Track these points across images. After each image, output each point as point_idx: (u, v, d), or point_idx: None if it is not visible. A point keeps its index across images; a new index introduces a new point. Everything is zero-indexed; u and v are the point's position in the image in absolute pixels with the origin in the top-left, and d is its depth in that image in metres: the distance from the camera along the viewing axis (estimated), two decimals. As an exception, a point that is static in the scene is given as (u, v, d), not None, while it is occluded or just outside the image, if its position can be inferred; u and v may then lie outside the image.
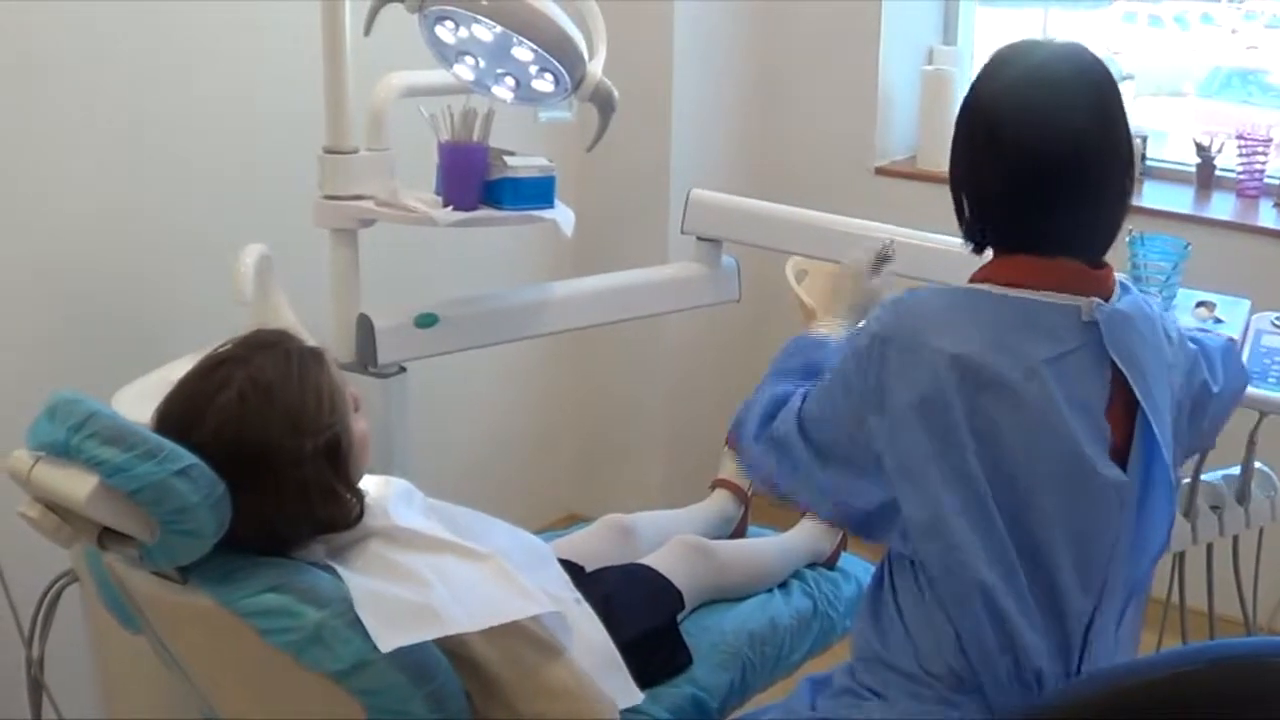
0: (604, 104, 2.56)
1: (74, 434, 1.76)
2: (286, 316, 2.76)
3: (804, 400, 2.07)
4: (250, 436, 1.85)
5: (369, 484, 2.05)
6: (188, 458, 1.78)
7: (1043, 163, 1.92)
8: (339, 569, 1.87)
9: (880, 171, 4.19)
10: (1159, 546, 2.03)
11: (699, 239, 3.00)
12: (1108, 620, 1.96)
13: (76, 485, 1.74)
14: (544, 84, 2.49)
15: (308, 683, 1.81)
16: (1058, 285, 1.93)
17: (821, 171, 4.17)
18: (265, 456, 1.85)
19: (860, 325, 2.12)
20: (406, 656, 1.80)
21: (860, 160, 4.19)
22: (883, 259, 2.41)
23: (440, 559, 1.91)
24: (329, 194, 2.68)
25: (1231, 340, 2.37)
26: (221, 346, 1.96)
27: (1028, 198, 1.94)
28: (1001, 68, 1.97)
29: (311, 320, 2.73)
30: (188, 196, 3.12)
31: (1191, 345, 2.11)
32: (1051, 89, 1.93)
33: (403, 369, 2.74)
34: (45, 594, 2.51)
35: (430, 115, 2.60)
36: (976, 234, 2.02)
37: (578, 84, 2.47)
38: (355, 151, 2.67)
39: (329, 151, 2.67)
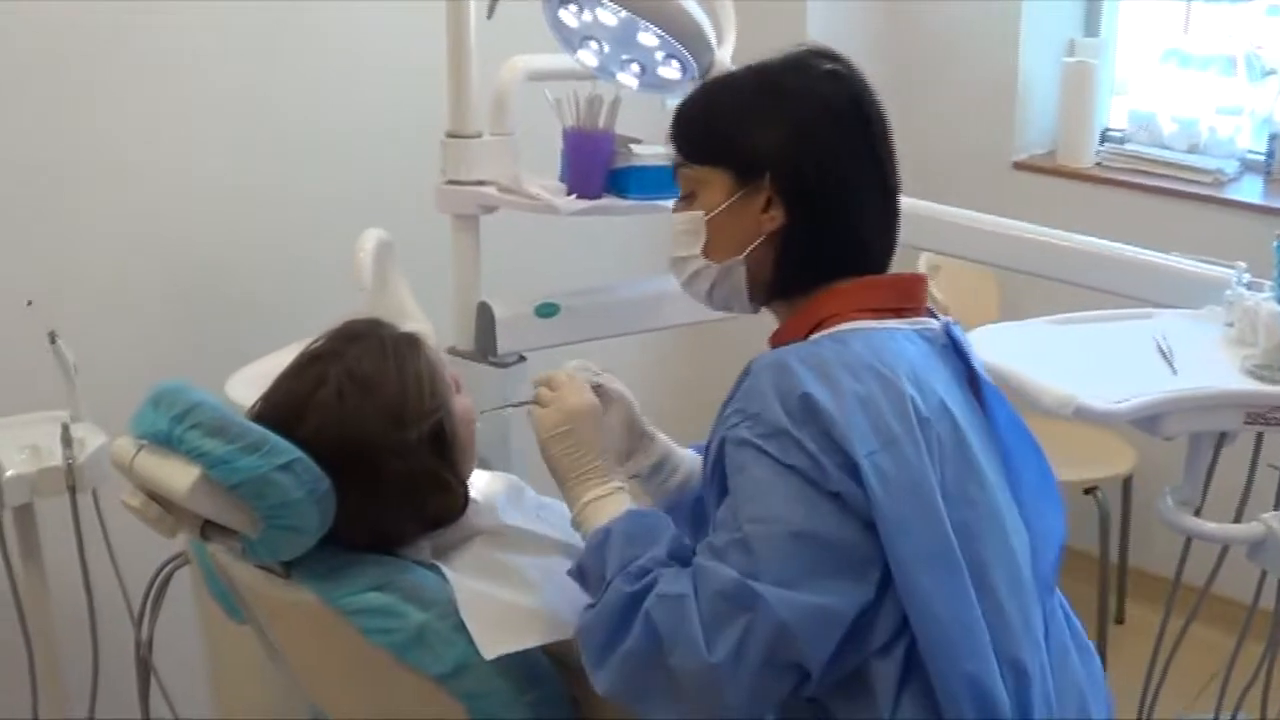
0: (731, 93, 2.47)
1: (177, 424, 1.72)
2: (406, 302, 2.72)
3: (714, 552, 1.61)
4: (352, 433, 1.79)
5: (477, 480, 1.99)
6: (292, 452, 1.74)
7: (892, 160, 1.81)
8: (444, 569, 1.82)
9: (1019, 166, 4.11)
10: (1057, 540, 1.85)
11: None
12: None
13: (178, 476, 1.70)
14: (670, 71, 2.43)
15: (409, 682, 1.76)
16: (915, 305, 1.80)
17: (958, 166, 4.10)
18: (369, 452, 1.79)
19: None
20: (511, 661, 1.74)
21: (998, 154, 4.12)
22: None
23: (548, 560, 1.84)
24: (451, 179, 2.64)
25: None
26: (315, 341, 1.90)
27: (895, 197, 1.82)
28: (810, 73, 1.80)
29: (431, 308, 2.70)
30: (309, 181, 3.12)
31: None
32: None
33: (522, 359, 2.69)
34: (156, 576, 2.51)
35: (555, 101, 2.55)
36: (819, 263, 1.77)
37: (705, 72, 2.40)
38: (478, 136, 2.62)
39: (451, 136, 2.63)
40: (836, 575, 1.58)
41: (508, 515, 1.97)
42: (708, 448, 1.75)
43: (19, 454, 2.43)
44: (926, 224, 2.76)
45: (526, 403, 1.87)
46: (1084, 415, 2.25)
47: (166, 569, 2.49)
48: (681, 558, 1.65)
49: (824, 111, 1.76)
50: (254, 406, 1.86)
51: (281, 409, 1.82)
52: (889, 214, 1.82)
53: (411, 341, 1.90)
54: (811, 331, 1.75)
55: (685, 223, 1.83)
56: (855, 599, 1.58)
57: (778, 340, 1.80)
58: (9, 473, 2.38)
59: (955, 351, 1.79)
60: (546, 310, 2.66)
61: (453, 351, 2.71)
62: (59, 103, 2.72)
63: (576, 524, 1.78)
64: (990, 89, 4.09)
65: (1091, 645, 1.89)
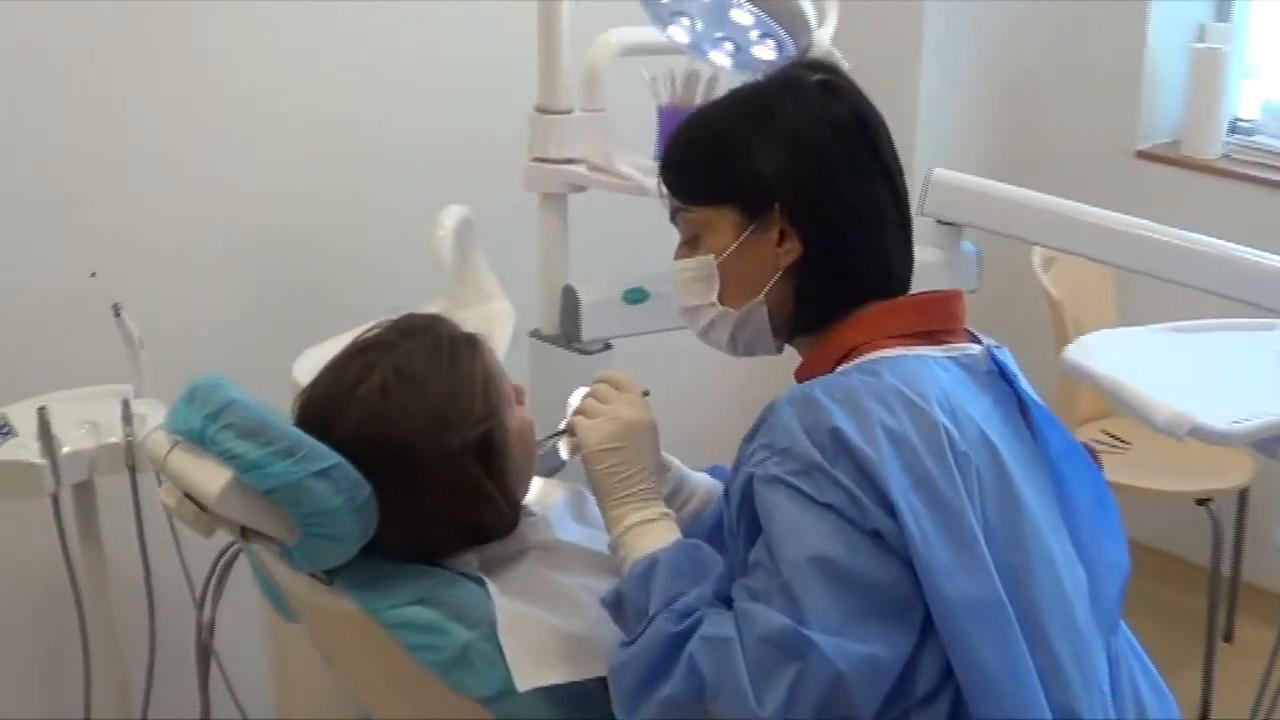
0: (833, 78, 2.36)
1: (210, 423, 1.63)
2: (487, 282, 2.68)
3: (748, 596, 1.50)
4: (393, 433, 1.69)
5: (534, 489, 1.88)
6: (329, 457, 1.64)
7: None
8: (489, 585, 1.70)
9: (1142, 155, 3.97)
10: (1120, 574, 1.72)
11: (938, 222, 2.78)
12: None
13: (210, 478, 1.62)
14: (765, 51, 2.33)
15: (455, 698, 1.65)
16: (950, 327, 1.68)
17: (1079, 154, 3.98)
18: (409, 454, 1.69)
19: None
20: (558, 688, 1.62)
21: (1121, 143, 3.97)
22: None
23: (601, 582, 1.71)
24: (538, 156, 2.57)
25: None
26: (369, 329, 1.80)
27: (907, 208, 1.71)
28: (803, 88, 1.68)
29: (515, 289, 2.66)
30: (389, 153, 3.06)
31: None
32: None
33: (608, 346, 2.60)
34: (219, 558, 2.44)
35: (651, 77, 2.50)
36: (843, 290, 1.67)
37: (803, 53, 2.30)
38: (569, 112, 2.55)
39: (540, 111, 2.55)
40: (879, 619, 1.47)
41: (564, 529, 1.86)
42: (728, 487, 1.63)
43: (78, 429, 2.37)
44: (1038, 216, 2.63)
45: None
46: (1200, 436, 2.14)
47: (230, 551, 2.42)
48: (727, 599, 1.53)
49: (825, 127, 1.65)
50: (300, 394, 1.77)
51: (324, 402, 1.73)
52: (905, 226, 1.71)
53: (471, 343, 1.79)
54: (839, 363, 1.64)
55: (695, 269, 1.70)
56: (900, 646, 1.48)
57: (803, 375, 1.68)
58: (66, 449, 2.31)
59: (1002, 377, 1.67)
60: (635, 296, 2.57)
61: (535, 335, 2.66)
62: (126, 72, 2.68)
63: (615, 547, 1.66)
64: (1115, 74, 3.95)
65: (1164, 684, 1.76)
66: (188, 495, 1.67)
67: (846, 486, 1.47)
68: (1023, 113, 4.09)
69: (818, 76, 1.69)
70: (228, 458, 1.61)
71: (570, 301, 2.56)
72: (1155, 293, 2.74)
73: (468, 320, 2.68)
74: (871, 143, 1.67)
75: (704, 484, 1.95)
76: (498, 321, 2.62)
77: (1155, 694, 1.72)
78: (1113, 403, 2.89)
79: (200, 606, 2.47)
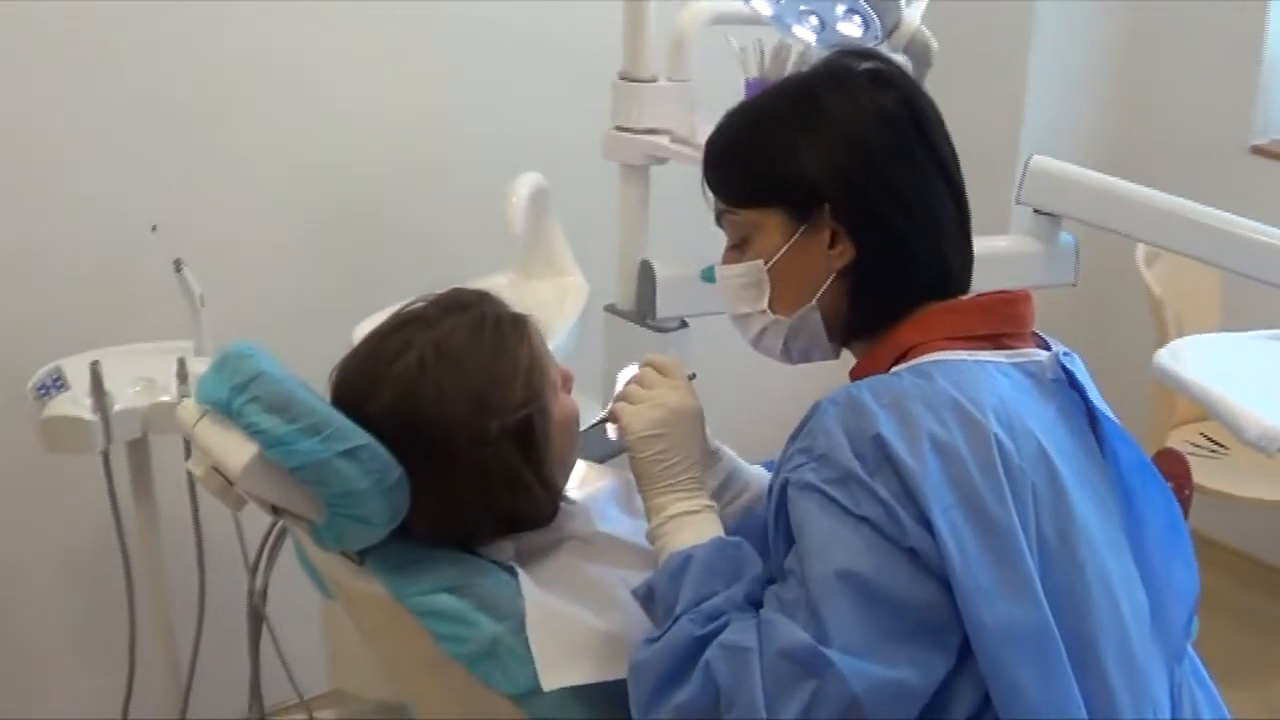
0: (919, 57, 2.29)
1: (237, 395, 1.57)
2: (560, 253, 2.65)
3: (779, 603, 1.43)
4: (427, 413, 1.61)
5: (581, 476, 1.80)
6: (358, 437, 1.57)
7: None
8: (521, 576, 1.63)
9: (1257, 151, 3.83)
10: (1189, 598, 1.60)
11: (1036, 212, 2.66)
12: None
13: (235, 452, 1.56)
14: (850, 27, 2.25)
15: (486, 691, 1.58)
16: (1015, 330, 1.59)
17: (1188, 147, 3.85)
18: (443, 436, 1.61)
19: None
20: (590, 687, 1.54)
21: (1235, 137, 3.84)
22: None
23: (641, 577, 1.59)
24: (621, 125, 2.50)
25: None
26: (413, 303, 1.73)
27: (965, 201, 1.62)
28: (850, 79, 1.58)
29: (590, 262, 2.62)
30: (464, 113, 3.02)
31: None
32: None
33: (684, 324, 2.53)
34: (274, 523, 2.37)
35: (740, 48, 2.43)
36: (900, 292, 1.58)
37: (890, 31, 2.22)
38: (653, 80, 2.48)
39: (624, 79, 2.49)
40: (911, 642, 1.37)
41: (607, 519, 1.78)
42: (770, 489, 1.53)
43: (132, 386, 2.32)
44: (1140, 210, 2.51)
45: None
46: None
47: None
48: (759, 603, 1.45)
49: (874, 121, 1.55)
50: (336, 367, 1.70)
51: (359, 376, 1.66)
52: (963, 222, 1.61)
53: (518, 324, 1.70)
54: (894, 365, 1.54)
55: (744, 274, 1.62)
56: (932, 671, 1.38)
57: (857, 376, 1.58)
58: (118, 406, 2.26)
59: (1071, 386, 1.57)
60: (712, 275, 2.45)
61: (610, 310, 2.59)
62: (194, 24, 2.64)
63: (653, 537, 1.57)
64: (1231, 66, 3.82)
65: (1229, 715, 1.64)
66: (216, 467, 1.61)
67: (884, 500, 1.38)
68: (1133, 104, 3.97)
69: (866, 66, 1.59)
70: (253, 432, 1.55)
71: (647, 277, 2.49)
72: (1263, 294, 2.63)
73: (539, 292, 2.63)
74: (925, 135, 1.57)
75: (758, 478, 1.86)
76: (569, 296, 2.56)
77: None
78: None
79: (253, 573, 2.42)
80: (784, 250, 1.57)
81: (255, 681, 2.52)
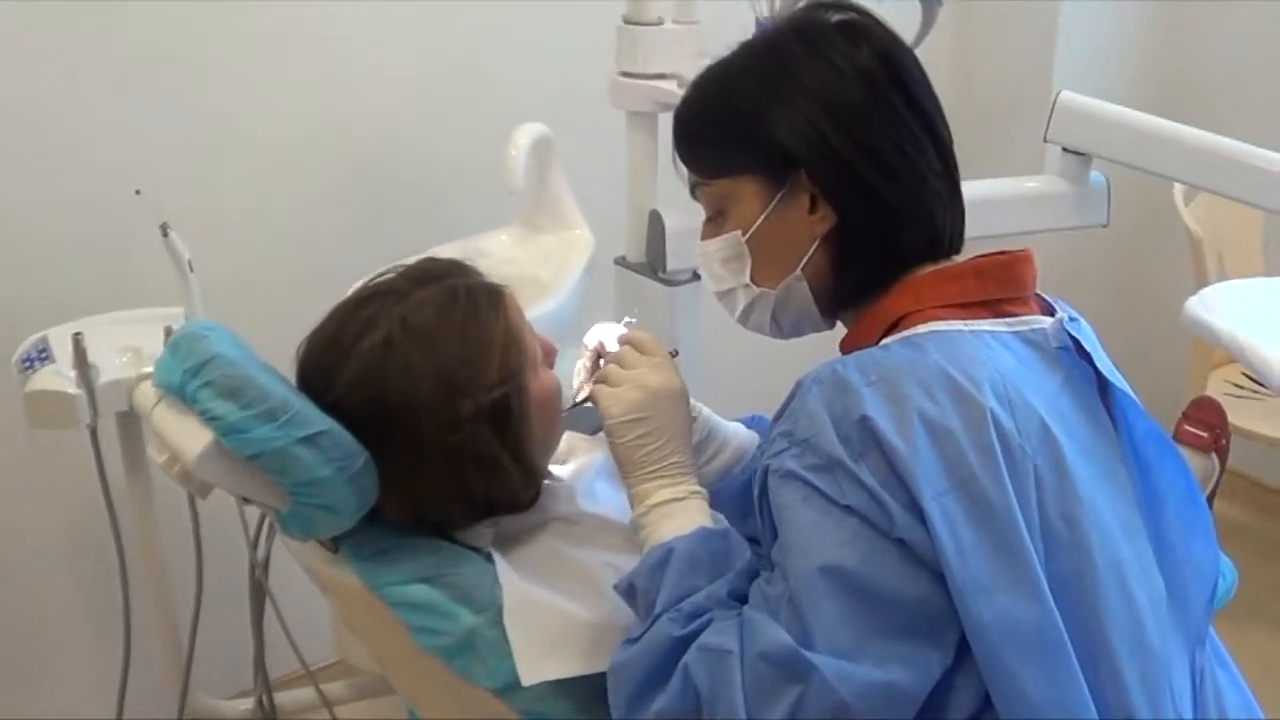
0: (930, -4, 2.24)
1: (190, 379, 1.50)
2: (565, 205, 2.57)
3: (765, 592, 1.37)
4: (393, 392, 1.52)
5: (570, 447, 1.72)
6: (319, 422, 1.49)
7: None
8: (499, 562, 1.54)
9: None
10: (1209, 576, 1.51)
11: (1065, 150, 2.55)
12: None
13: (190, 439, 1.50)
14: None
15: (467, 686, 1.50)
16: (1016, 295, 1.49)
17: (1238, 87, 3.70)
18: (411, 418, 1.52)
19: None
20: (573, 680, 1.46)
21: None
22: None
23: (629, 559, 1.52)
24: (626, 70, 2.43)
25: None
26: (382, 273, 1.64)
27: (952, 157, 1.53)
28: (821, 33, 1.50)
29: (598, 214, 2.55)
30: (463, 66, 2.93)
31: None
32: None
33: (696, 276, 2.45)
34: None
35: None
36: (887, 257, 1.50)
37: None
38: (659, 24, 2.42)
39: (629, 22, 2.42)
40: (903, 640, 1.29)
41: (594, 497, 1.69)
42: (752, 475, 1.45)
43: (119, 356, 2.23)
44: (1172, 148, 2.42)
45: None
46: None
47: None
48: (744, 597, 1.36)
49: (847, 77, 1.47)
50: (300, 345, 1.61)
51: (323, 355, 1.58)
52: (951, 180, 1.52)
53: (493, 295, 1.61)
54: (884, 336, 1.45)
55: (723, 248, 1.55)
56: (928, 670, 1.29)
57: (847, 348, 1.50)
58: (104, 378, 2.17)
59: (1079, 353, 1.47)
60: (723, 225, 2.39)
61: (620, 263, 2.53)
62: None
63: (637, 526, 1.49)
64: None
65: (1254, 700, 1.55)
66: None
67: (870, 487, 1.29)
68: (1178, 41, 3.82)
69: (838, 18, 1.50)
70: (208, 418, 1.47)
71: (656, 228, 2.42)
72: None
73: (544, 245, 2.54)
74: (903, 87, 1.48)
75: (737, 435, 1.77)
76: (574, 250, 2.48)
77: (1244, 708, 1.52)
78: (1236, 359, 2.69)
79: (254, 546, 2.34)
80: (762, 218, 1.50)
81: (260, 655, 2.46)
